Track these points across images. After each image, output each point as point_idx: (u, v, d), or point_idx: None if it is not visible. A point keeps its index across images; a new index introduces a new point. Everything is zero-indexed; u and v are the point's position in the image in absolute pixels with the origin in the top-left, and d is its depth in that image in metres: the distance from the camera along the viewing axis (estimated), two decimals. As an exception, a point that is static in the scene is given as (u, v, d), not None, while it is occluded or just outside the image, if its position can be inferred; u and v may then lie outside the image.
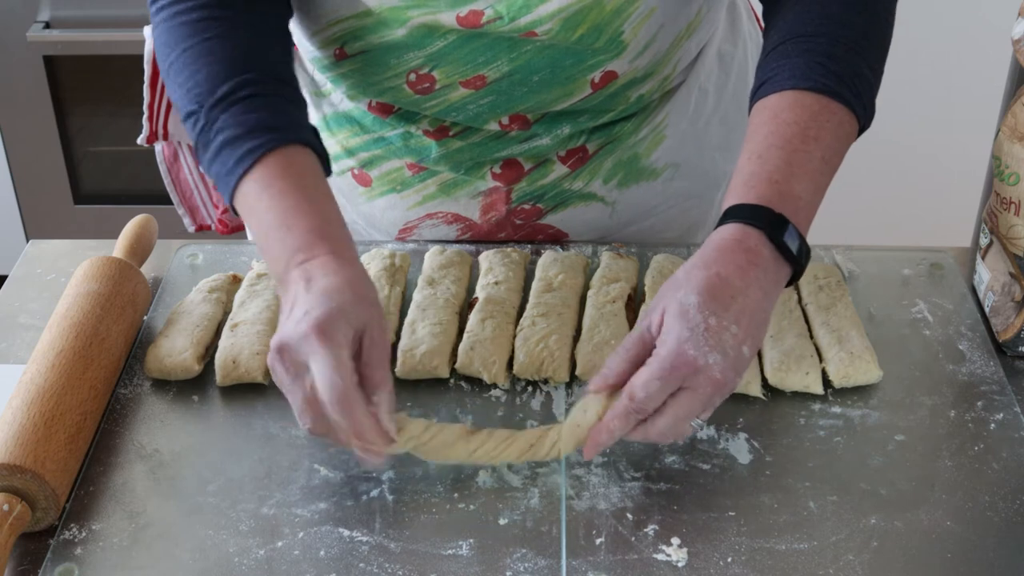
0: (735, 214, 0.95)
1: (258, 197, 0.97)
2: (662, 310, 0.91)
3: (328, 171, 1.02)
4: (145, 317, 1.13)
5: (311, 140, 1.01)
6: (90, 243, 1.24)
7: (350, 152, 1.24)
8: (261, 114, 0.99)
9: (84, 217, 2.72)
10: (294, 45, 1.18)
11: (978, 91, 2.38)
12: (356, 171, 1.24)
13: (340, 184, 1.26)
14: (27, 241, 1.26)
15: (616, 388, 0.92)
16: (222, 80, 1.00)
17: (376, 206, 1.25)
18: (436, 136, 1.19)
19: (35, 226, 2.73)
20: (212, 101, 1.00)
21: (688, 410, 0.90)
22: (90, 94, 2.61)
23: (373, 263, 1.15)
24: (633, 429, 0.91)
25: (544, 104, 1.16)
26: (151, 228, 1.21)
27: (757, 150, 0.98)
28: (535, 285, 1.13)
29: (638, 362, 0.91)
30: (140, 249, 1.18)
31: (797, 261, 0.94)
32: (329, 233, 0.95)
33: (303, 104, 1.06)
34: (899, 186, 2.57)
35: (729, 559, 0.89)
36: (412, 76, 1.14)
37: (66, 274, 1.18)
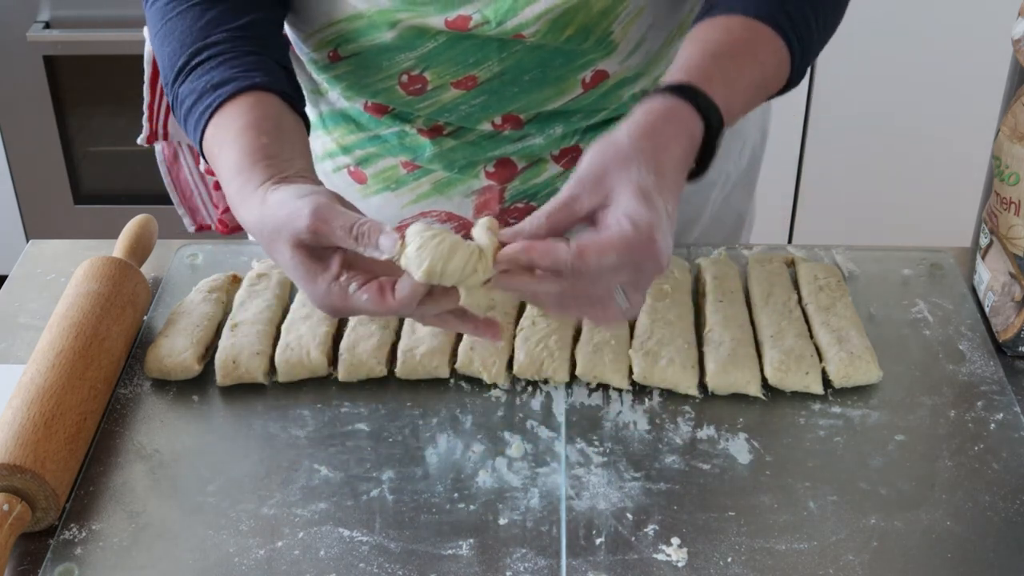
0: (671, 89, 0.94)
1: (210, 156, 1.00)
2: (609, 185, 0.87)
3: (300, 102, 1.04)
4: (145, 317, 1.13)
5: (263, 82, 1.01)
6: (90, 243, 1.24)
7: (346, 149, 1.24)
8: (209, 75, 1.01)
9: (84, 217, 2.72)
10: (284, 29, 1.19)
11: (978, 91, 2.38)
12: (352, 168, 1.25)
13: (336, 181, 1.26)
14: (27, 241, 1.26)
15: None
16: (179, 55, 1.03)
17: (371, 203, 1.25)
18: (430, 135, 1.20)
19: (35, 226, 2.73)
20: (172, 77, 1.03)
21: (631, 291, 0.88)
22: (90, 94, 2.61)
23: (373, 263, 1.15)
24: (563, 301, 0.88)
25: (536, 104, 1.16)
26: (151, 228, 1.21)
27: (708, 50, 0.98)
28: (535, 285, 1.13)
29: (559, 226, 0.87)
30: (140, 249, 1.18)
31: (709, 145, 0.95)
32: (239, 171, 0.94)
33: (271, 49, 1.07)
34: (899, 186, 2.57)
35: (729, 559, 0.89)
36: (404, 78, 1.15)
37: (66, 274, 1.18)
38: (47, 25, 2.47)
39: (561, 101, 1.16)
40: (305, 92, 1.23)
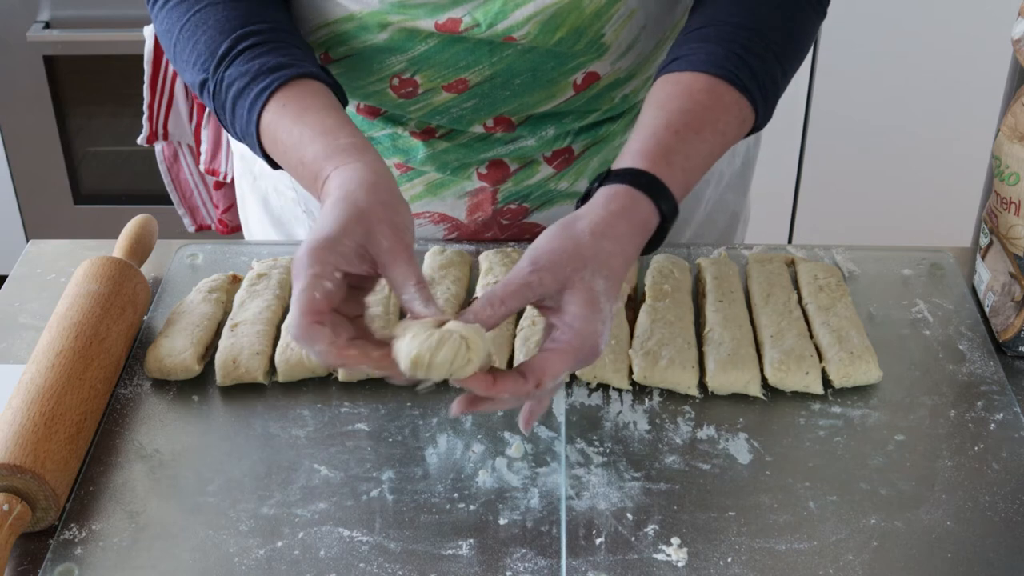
0: (629, 178, 0.94)
1: (274, 140, 1.00)
2: (563, 280, 0.88)
3: (344, 101, 1.04)
4: (145, 317, 1.13)
5: (319, 73, 1.02)
6: (90, 243, 1.24)
7: None
8: (263, 59, 1.01)
9: (84, 217, 2.72)
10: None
11: (978, 91, 2.38)
12: None
13: None
14: (27, 241, 1.26)
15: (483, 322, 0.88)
16: (220, 42, 1.03)
17: None
18: (422, 137, 1.20)
19: (35, 226, 2.73)
20: (215, 62, 1.03)
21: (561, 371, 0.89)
22: (90, 94, 2.61)
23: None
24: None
25: (527, 106, 1.16)
26: (151, 228, 1.21)
27: (672, 122, 0.98)
28: (535, 285, 1.13)
29: (512, 310, 0.88)
30: (140, 249, 1.18)
31: (658, 239, 0.96)
32: (333, 151, 0.95)
33: (308, 48, 1.08)
34: (899, 186, 2.57)
35: (729, 559, 0.89)
36: (395, 80, 1.15)
37: (66, 274, 1.18)
38: (47, 25, 2.47)
39: (552, 103, 1.16)
40: None
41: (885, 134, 2.51)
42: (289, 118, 0.99)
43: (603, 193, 0.94)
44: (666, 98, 1.00)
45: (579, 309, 0.88)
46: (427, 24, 1.09)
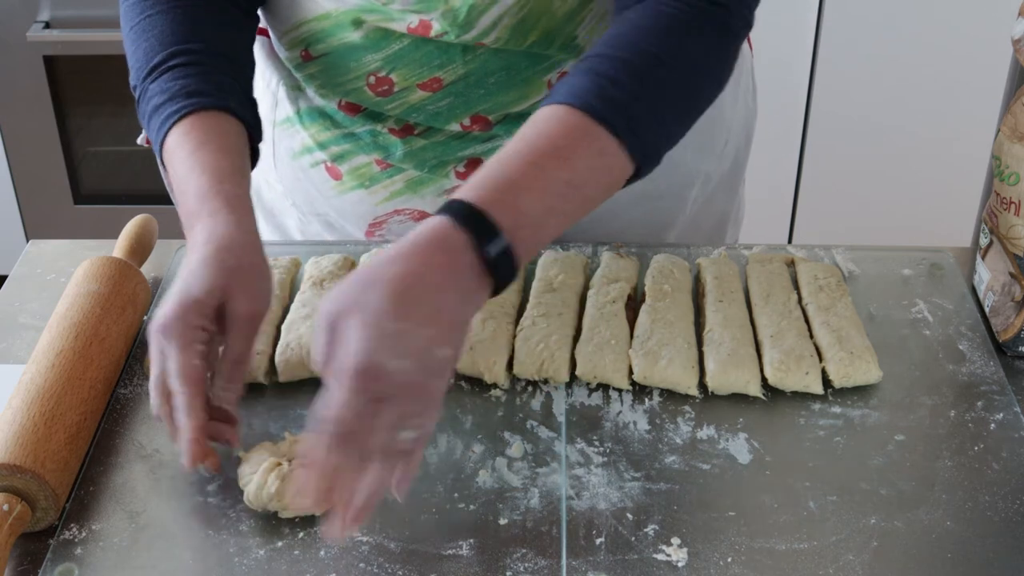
0: (449, 208, 0.86)
1: (170, 160, 1.00)
2: (345, 312, 0.81)
3: (258, 138, 1.05)
4: (145, 317, 1.13)
5: (231, 106, 1.02)
6: (90, 243, 1.24)
7: (322, 146, 1.25)
8: (186, 80, 1.02)
9: (84, 217, 2.72)
10: (257, 29, 1.19)
11: (978, 91, 2.38)
12: (328, 164, 1.25)
13: (313, 176, 1.27)
14: (27, 241, 1.26)
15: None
16: (156, 52, 1.04)
17: (346, 200, 1.26)
18: (401, 135, 1.20)
19: (35, 226, 2.73)
20: (145, 72, 1.04)
21: (390, 421, 0.81)
22: (90, 94, 2.61)
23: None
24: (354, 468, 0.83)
25: (502, 105, 1.16)
26: (151, 228, 1.21)
27: (501, 156, 0.90)
28: (535, 285, 1.13)
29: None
30: (140, 249, 1.18)
31: (496, 273, 0.86)
32: (212, 194, 0.96)
33: (241, 76, 1.08)
34: (899, 186, 2.57)
35: (729, 559, 0.89)
36: (371, 79, 1.16)
37: (66, 274, 1.18)
38: (47, 25, 2.47)
39: (528, 103, 1.16)
40: (285, 88, 1.25)
41: (885, 134, 2.51)
42: (187, 148, 0.99)
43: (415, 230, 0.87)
44: (512, 138, 0.93)
45: (351, 329, 0.81)
46: (400, 26, 1.10)
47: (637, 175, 0.96)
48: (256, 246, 0.95)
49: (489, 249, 0.85)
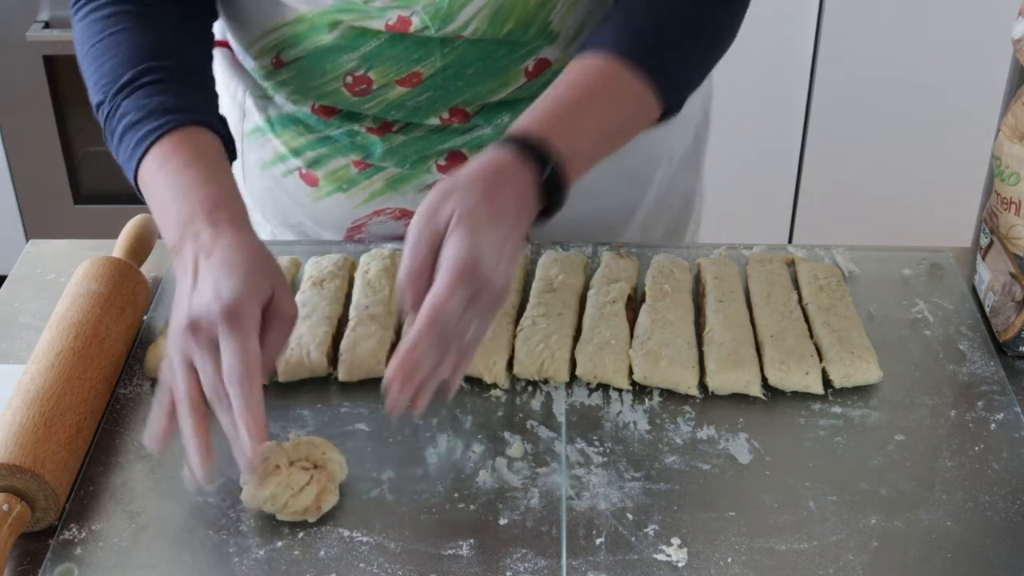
0: (509, 139, 0.96)
1: (155, 174, 1.00)
2: (449, 215, 0.90)
3: (233, 156, 1.05)
4: (145, 317, 1.13)
5: (213, 123, 1.03)
6: (90, 243, 1.24)
7: (296, 152, 1.24)
8: (162, 97, 1.02)
9: (84, 217, 2.72)
10: (215, 42, 1.19)
11: (978, 91, 2.38)
12: (303, 171, 1.25)
13: (287, 185, 1.26)
14: (27, 241, 1.26)
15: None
16: (125, 69, 1.05)
17: (323, 206, 1.25)
18: (379, 132, 1.20)
19: (35, 226, 2.73)
20: (115, 89, 1.04)
21: (473, 314, 0.90)
22: (90, 94, 2.61)
23: (373, 263, 1.15)
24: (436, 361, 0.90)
25: (481, 96, 1.17)
26: (151, 228, 1.21)
27: (547, 96, 1.01)
28: (535, 285, 1.13)
29: (419, 261, 0.91)
30: (140, 249, 1.18)
31: (550, 199, 0.97)
32: (225, 203, 0.96)
33: (211, 93, 1.09)
34: (899, 186, 2.57)
35: (729, 559, 0.89)
36: (348, 79, 1.16)
37: (66, 274, 1.18)
38: (47, 25, 2.47)
39: (506, 92, 1.17)
40: (252, 98, 1.25)
41: (885, 134, 2.51)
42: (181, 159, 0.99)
43: (475, 157, 0.97)
44: (564, 77, 1.03)
45: (452, 237, 0.89)
46: (378, 24, 1.10)
47: (664, 117, 1.06)
48: (271, 255, 0.96)
49: (545, 174, 0.95)
